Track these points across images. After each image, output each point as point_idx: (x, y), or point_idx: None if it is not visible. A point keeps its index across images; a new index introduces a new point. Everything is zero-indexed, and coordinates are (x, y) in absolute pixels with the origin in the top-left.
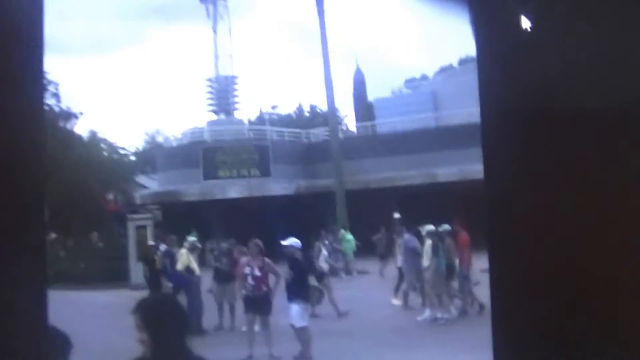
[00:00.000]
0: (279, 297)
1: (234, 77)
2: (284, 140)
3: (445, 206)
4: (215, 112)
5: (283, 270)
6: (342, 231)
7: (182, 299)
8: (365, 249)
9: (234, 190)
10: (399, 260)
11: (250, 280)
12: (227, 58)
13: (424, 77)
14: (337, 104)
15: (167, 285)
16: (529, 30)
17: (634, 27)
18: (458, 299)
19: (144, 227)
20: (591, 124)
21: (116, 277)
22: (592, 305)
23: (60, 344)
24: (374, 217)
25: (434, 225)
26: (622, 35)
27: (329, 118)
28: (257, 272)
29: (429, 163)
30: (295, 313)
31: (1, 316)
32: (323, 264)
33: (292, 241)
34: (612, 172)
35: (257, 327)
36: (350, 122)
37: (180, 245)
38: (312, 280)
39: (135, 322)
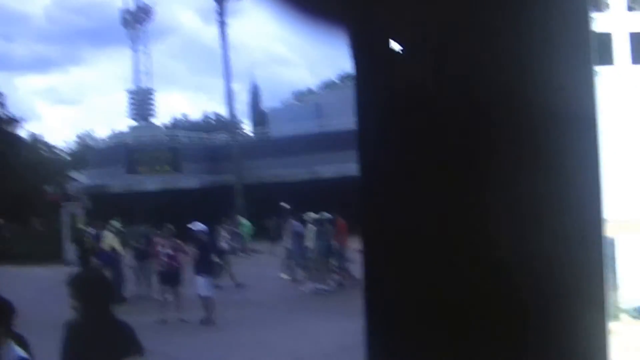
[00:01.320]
0: (187, 271)
1: (150, 90)
2: (193, 143)
3: (326, 198)
4: (135, 118)
5: (191, 249)
6: (240, 217)
7: (108, 273)
8: (259, 232)
9: (151, 184)
10: (287, 242)
11: (163, 257)
12: (145, 74)
13: (310, 91)
14: (236, 112)
15: (95, 262)
16: (400, 50)
17: (498, 40)
18: (336, 274)
19: (76, 214)
20: (457, 131)
21: (53, 255)
22: (451, 280)
23: (4, 309)
24: (267, 206)
25: (317, 213)
26: (488, 50)
27: (230, 124)
28: (170, 251)
29: (313, 163)
30: (201, 284)
31: None
32: (224, 244)
33: (198, 225)
34: (474, 171)
35: (169, 297)
36: (246, 128)
37: (106, 229)
38: (215, 258)
39: (69, 292)
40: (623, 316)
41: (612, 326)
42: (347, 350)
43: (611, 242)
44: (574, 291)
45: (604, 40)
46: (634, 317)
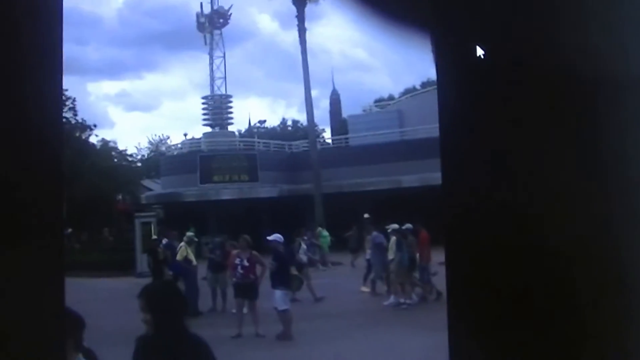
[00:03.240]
0: (264, 284)
1: (227, 96)
2: (270, 151)
3: (408, 208)
4: (210, 125)
5: (268, 261)
6: (319, 229)
7: (181, 285)
8: (339, 244)
9: (227, 192)
10: (368, 253)
11: (239, 269)
12: (221, 80)
13: (391, 97)
14: (315, 120)
15: (168, 273)
16: (482, 57)
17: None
18: (418, 287)
19: (148, 224)
20: (537, 137)
21: (124, 266)
22: (536, 298)
23: (75, 323)
24: (347, 217)
25: (398, 224)
26: (565, 58)
27: (309, 131)
28: (246, 263)
29: (394, 171)
30: (278, 298)
31: (27, 300)
32: (302, 256)
33: (276, 236)
34: (556, 172)
35: (245, 310)
36: (327, 136)
37: (180, 240)
38: (293, 270)
39: (140, 305)
40: None
41: None
42: None
43: None
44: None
45: None
46: None
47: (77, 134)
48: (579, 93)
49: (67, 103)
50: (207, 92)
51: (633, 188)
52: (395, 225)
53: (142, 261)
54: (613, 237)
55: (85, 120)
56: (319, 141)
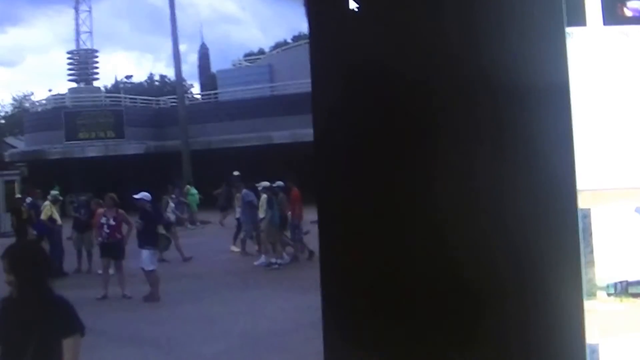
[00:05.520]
0: (131, 243)
1: (93, 50)
2: (137, 107)
3: (279, 165)
4: (75, 81)
5: (135, 220)
6: (188, 186)
7: (45, 245)
8: (207, 202)
9: (92, 150)
10: (238, 212)
11: (105, 229)
12: (87, 34)
13: (261, 52)
14: (184, 75)
15: (32, 233)
16: (354, 11)
17: (443, 14)
18: (290, 246)
19: (12, 182)
20: (410, 96)
21: None
22: (408, 257)
23: None
24: (216, 174)
25: (269, 182)
26: (436, 19)
27: (177, 87)
28: (112, 222)
29: (265, 127)
30: (145, 258)
31: None
32: (170, 214)
33: (143, 195)
34: (432, 143)
35: (111, 271)
36: (195, 91)
37: (44, 198)
38: (161, 229)
39: (4, 266)
40: (600, 294)
41: (588, 304)
42: (302, 328)
43: (586, 214)
44: (549, 266)
45: (575, 1)
46: (611, 295)
47: None
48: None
49: None
50: (73, 47)
51: (538, 189)
52: (266, 183)
53: (6, 220)
54: (499, 207)
55: None
56: (187, 97)
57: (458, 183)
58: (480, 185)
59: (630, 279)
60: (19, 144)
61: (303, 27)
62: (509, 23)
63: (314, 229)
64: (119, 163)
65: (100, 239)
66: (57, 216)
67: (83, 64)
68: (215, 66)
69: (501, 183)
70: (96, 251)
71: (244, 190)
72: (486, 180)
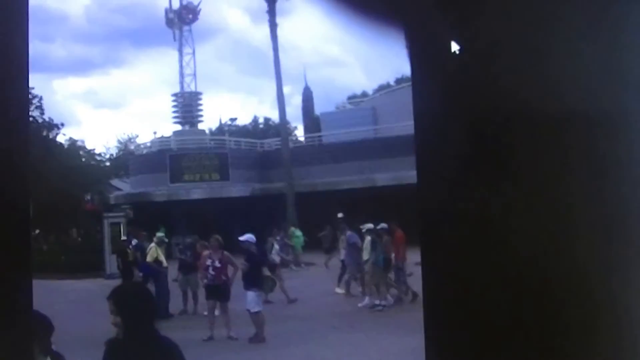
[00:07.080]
0: (237, 285)
1: (197, 93)
2: (241, 149)
3: (383, 207)
4: (180, 123)
5: (240, 262)
6: (292, 228)
7: (151, 287)
8: (312, 244)
9: (197, 192)
10: (342, 254)
11: (211, 270)
12: (191, 76)
13: (365, 94)
14: (287, 117)
15: (138, 275)
16: (457, 52)
17: (555, 51)
18: (394, 288)
19: (117, 224)
20: (519, 137)
21: (93, 268)
22: (510, 299)
23: (43, 327)
24: (320, 216)
25: (373, 224)
26: (544, 57)
27: (281, 129)
28: (217, 264)
29: (368, 170)
30: (251, 299)
31: None
32: (275, 256)
33: (248, 237)
34: (534, 174)
35: (217, 312)
36: (299, 134)
37: (150, 240)
38: (266, 271)
39: (110, 307)
40: None
41: None
42: None
43: None
44: (621, 292)
45: None
46: None
47: (44, 133)
48: (557, 94)
49: (33, 102)
50: (177, 89)
51: (613, 197)
52: (370, 225)
53: (112, 262)
54: (587, 244)
55: (52, 119)
56: (292, 139)
57: (558, 217)
58: (578, 220)
59: None
60: (124, 186)
61: (406, 69)
62: (616, 57)
63: (418, 271)
64: (224, 205)
65: (206, 280)
66: (162, 258)
67: (187, 106)
68: (318, 109)
69: (578, 212)
70: (202, 293)
71: (348, 232)
72: (584, 216)
